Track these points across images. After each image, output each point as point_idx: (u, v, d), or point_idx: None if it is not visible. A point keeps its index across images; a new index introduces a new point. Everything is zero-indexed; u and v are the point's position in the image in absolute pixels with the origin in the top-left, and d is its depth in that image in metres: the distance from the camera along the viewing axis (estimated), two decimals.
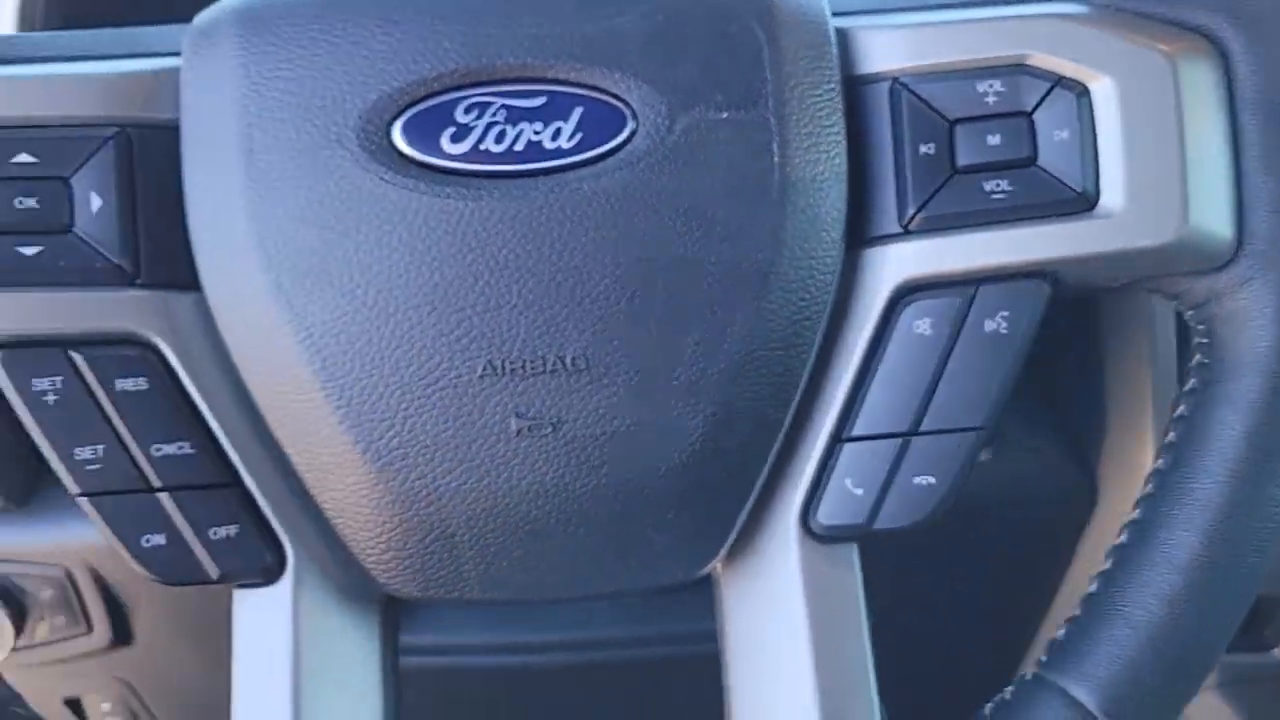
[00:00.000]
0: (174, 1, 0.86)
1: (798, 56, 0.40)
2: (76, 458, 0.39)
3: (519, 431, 0.39)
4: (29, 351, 0.39)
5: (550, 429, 0.39)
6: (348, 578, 0.42)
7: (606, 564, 0.42)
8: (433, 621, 0.63)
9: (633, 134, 0.39)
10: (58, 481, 0.74)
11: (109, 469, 0.40)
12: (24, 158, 0.39)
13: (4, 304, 0.39)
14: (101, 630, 0.76)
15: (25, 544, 0.71)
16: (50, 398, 0.39)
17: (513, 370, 0.39)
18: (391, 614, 0.44)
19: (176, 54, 0.42)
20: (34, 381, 0.39)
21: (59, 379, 0.39)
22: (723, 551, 0.42)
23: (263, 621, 0.41)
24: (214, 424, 0.40)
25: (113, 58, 0.42)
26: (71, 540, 0.72)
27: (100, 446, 0.40)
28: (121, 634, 0.77)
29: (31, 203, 0.39)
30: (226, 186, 0.39)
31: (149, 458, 0.40)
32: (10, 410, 0.70)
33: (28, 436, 0.72)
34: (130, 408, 0.40)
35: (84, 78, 0.41)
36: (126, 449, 0.40)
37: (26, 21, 0.69)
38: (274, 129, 0.39)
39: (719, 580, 0.44)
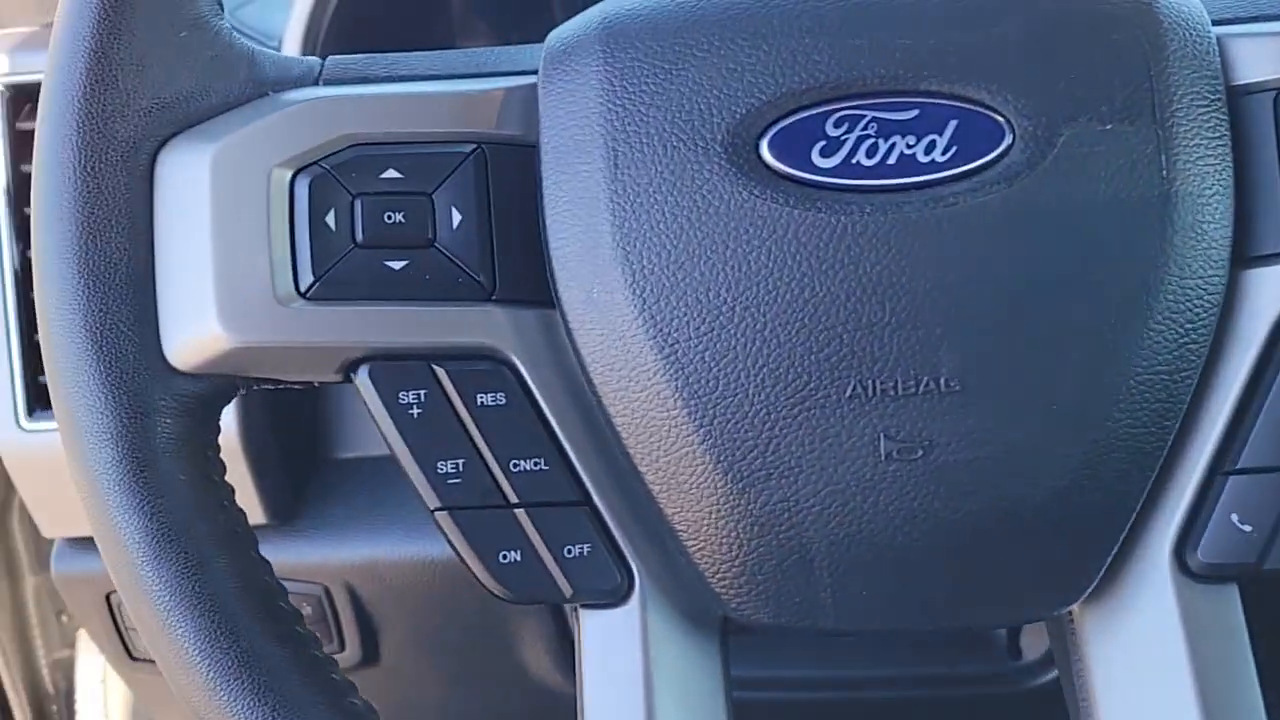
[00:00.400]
0: (446, 12, 0.88)
1: (1183, 66, 0.38)
2: (439, 471, 0.39)
3: (887, 455, 0.38)
4: (396, 365, 0.40)
5: (920, 453, 0.38)
6: (690, 601, 0.41)
7: (969, 596, 0.40)
8: (744, 653, 0.62)
9: (1009, 147, 0.38)
10: (319, 501, 0.76)
11: (469, 484, 0.40)
12: (391, 173, 0.40)
13: (374, 317, 0.39)
14: (353, 648, 0.77)
15: (288, 561, 0.72)
16: (415, 411, 0.39)
17: (883, 391, 0.38)
18: (727, 640, 0.43)
19: (527, 72, 0.42)
20: (400, 395, 0.39)
21: (423, 392, 0.39)
22: (1090, 587, 0.40)
23: (614, 643, 0.40)
24: (565, 441, 0.40)
25: (467, 76, 0.43)
26: (332, 559, 0.73)
27: (460, 461, 0.40)
28: (370, 653, 0.78)
29: (399, 217, 0.40)
30: (590, 202, 0.39)
31: (507, 473, 0.40)
32: (277, 428, 0.72)
33: (291, 454, 0.74)
34: (490, 423, 0.40)
35: (446, 96, 0.41)
36: (486, 464, 0.40)
37: (311, 34, 0.71)
38: (639, 144, 0.39)
39: (1076, 617, 0.41)
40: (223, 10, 0.42)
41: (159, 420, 0.39)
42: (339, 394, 0.76)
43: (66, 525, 0.73)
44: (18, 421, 0.68)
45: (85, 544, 0.74)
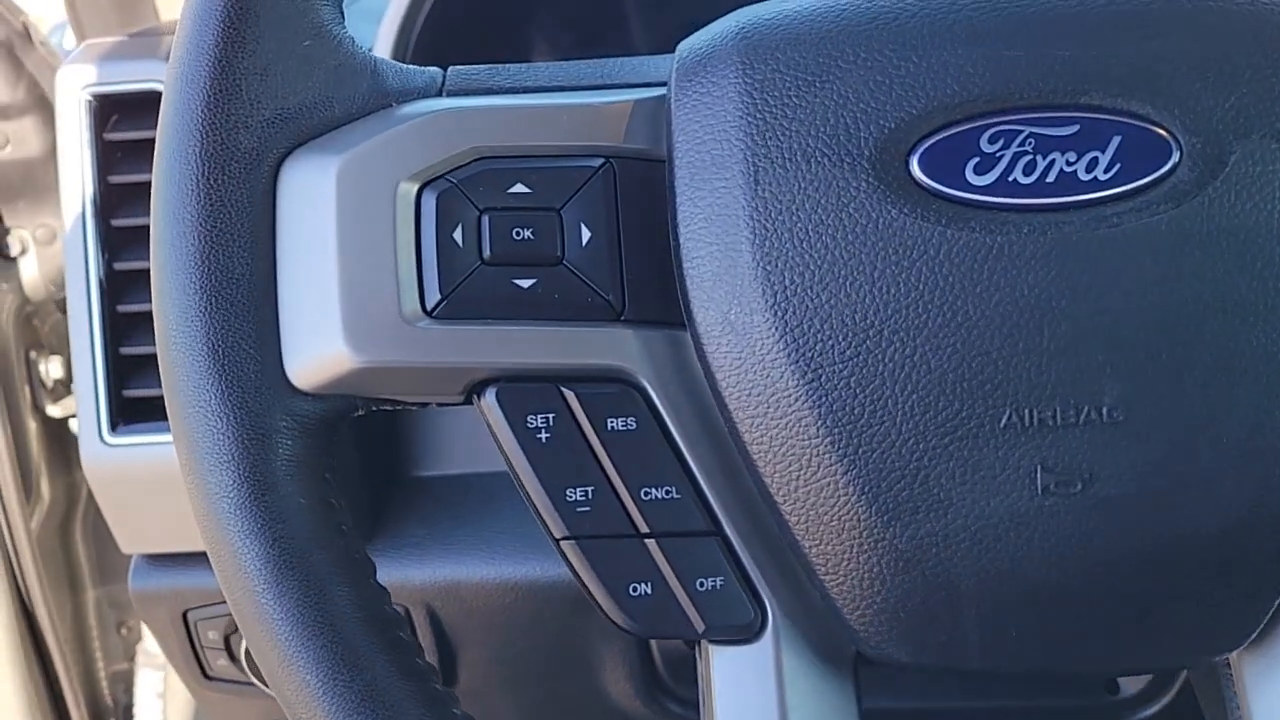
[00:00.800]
0: (532, 23, 0.87)
1: None
2: (568, 499, 0.38)
3: (1044, 488, 0.36)
4: (524, 387, 0.38)
5: (1079, 486, 0.36)
6: (824, 637, 0.39)
7: (1125, 639, 0.38)
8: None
9: (1176, 165, 0.36)
10: (398, 520, 0.74)
11: (598, 513, 0.38)
12: (519, 188, 0.38)
13: (501, 337, 0.38)
14: None
15: None
16: (543, 435, 0.38)
17: (1041, 421, 0.36)
18: (859, 677, 0.41)
19: (654, 84, 0.41)
20: (529, 418, 0.38)
21: (552, 415, 0.38)
22: (1255, 632, 0.38)
23: (747, 682, 0.38)
24: (695, 468, 0.38)
25: (593, 89, 0.41)
26: (412, 580, 0.72)
27: (590, 488, 0.38)
28: (448, 676, 0.76)
29: (528, 234, 0.38)
30: (728, 220, 0.37)
31: (638, 502, 0.38)
32: (358, 444, 0.71)
33: (370, 472, 0.72)
34: (620, 449, 0.38)
35: (574, 108, 0.40)
36: (616, 492, 0.38)
37: (401, 45, 0.70)
38: (781, 160, 0.37)
39: (1234, 664, 0.39)
40: (343, 19, 0.41)
41: (279, 442, 0.37)
42: (417, 410, 0.75)
43: (146, 542, 0.72)
44: (101, 436, 0.67)
45: (163, 561, 0.73)
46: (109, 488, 0.69)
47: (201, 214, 0.37)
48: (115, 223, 0.68)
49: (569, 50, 0.89)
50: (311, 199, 0.38)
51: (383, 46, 0.70)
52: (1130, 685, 0.73)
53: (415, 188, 0.38)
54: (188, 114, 0.37)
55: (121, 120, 0.69)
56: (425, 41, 0.72)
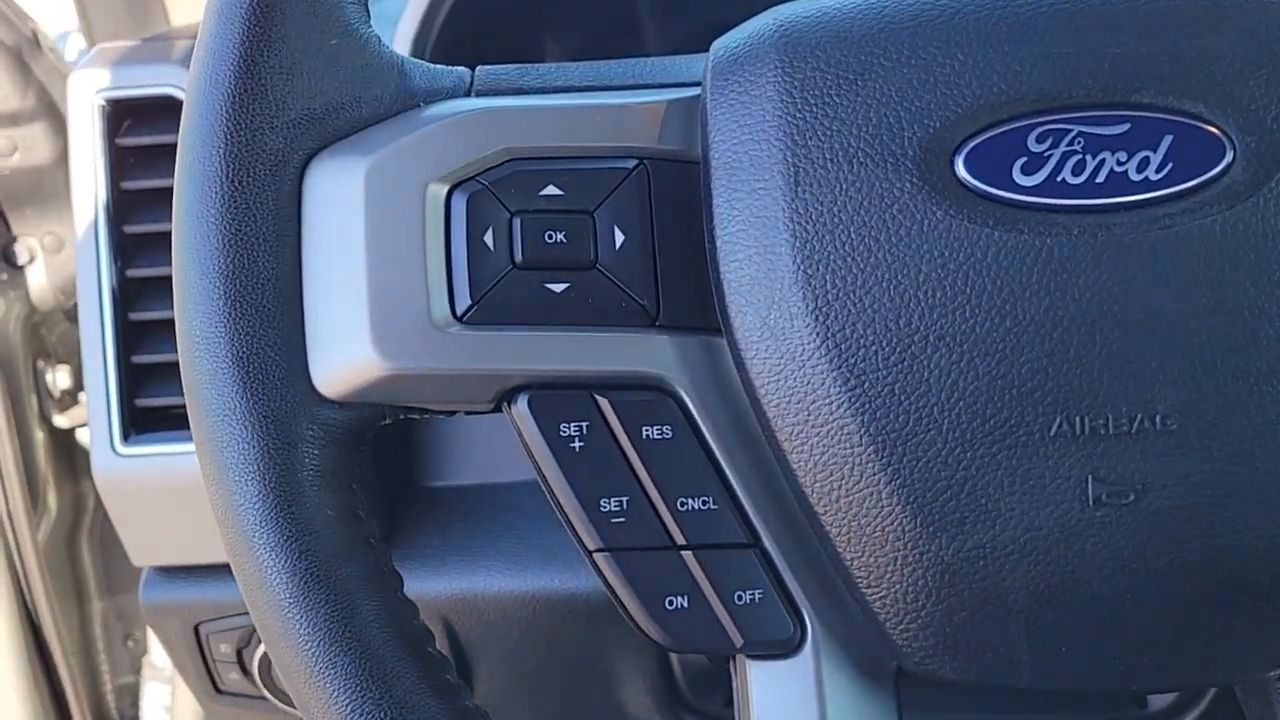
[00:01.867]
0: (555, 23, 0.86)
1: None
2: (601, 510, 0.37)
3: (1096, 499, 0.35)
4: (557, 394, 0.37)
5: (1132, 497, 0.35)
6: (865, 651, 0.38)
7: (1178, 654, 0.36)
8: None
9: (1230, 164, 0.35)
10: (412, 531, 0.73)
11: (633, 524, 0.37)
12: (551, 190, 0.37)
13: (533, 343, 0.37)
14: None
15: None
16: (576, 444, 0.37)
17: (1093, 429, 0.35)
18: (900, 693, 0.40)
19: (687, 84, 0.40)
20: (561, 426, 0.37)
21: (585, 424, 0.37)
22: None
23: (787, 698, 0.37)
24: (733, 478, 0.37)
25: (624, 89, 0.40)
26: (429, 593, 0.71)
27: (624, 499, 0.37)
28: None
29: (560, 237, 0.37)
30: (767, 223, 0.36)
31: (674, 512, 0.37)
32: (376, 459, 0.70)
33: (384, 482, 0.71)
34: (655, 458, 0.37)
35: (606, 108, 0.39)
36: (651, 503, 0.37)
37: (420, 41, 0.70)
38: (822, 161, 0.36)
39: None
40: (369, 18, 0.40)
41: (306, 451, 0.36)
42: (432, 418, 0.73)
43: (157, 554, 0.70)
44: (113, 446, 0.66)
45: (174, 573, 0.72)
46: (120, 499, 0.67)
47: (225, 216, 0.36)
48: (128, 229, 0.67)
49: (580, 55, 0.89)
50: (339, 201, 0.37)
51: (399, 50, 0.69)
52: (1158, 699, 0.72)
53: (445, 189, 0.37)
54: (211, 114, 0.36)
55: (134, 125, 0.68)
56: (439, 48, 0.71)
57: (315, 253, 0.37)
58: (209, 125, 0.36)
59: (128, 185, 0.67)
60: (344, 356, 0.36)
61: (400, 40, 0.70)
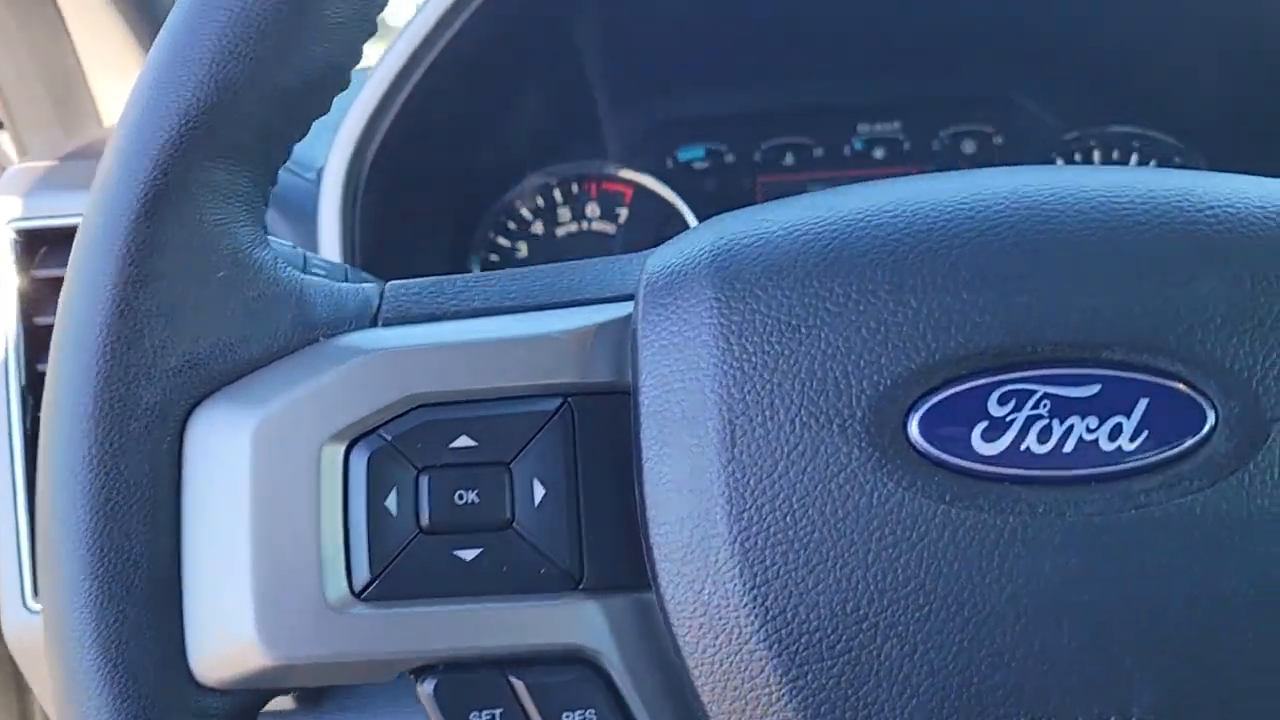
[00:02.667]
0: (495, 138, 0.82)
1: None
2: None
3: None
4: (466, 678, 0.33)
5: None
6: None
7: None
8: None
9: (1212, 431, 0.31)
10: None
11: None
12: (464, 441, 0.34)
13: (440, 619, 0.33)
14: None
15: None
16: None
17: None
18: None
19: (620, 299, 0.36)
20: (472, 715, 0.33)
21: (499, 711, 0.33)
22: None
23: None
24: None
25: (549, 307, 0.36)
26: None
27: None
28: None
29: (472, 496, 0.33)
30: (700, 487, 0.32)
31: None
32: None
33: None
34: None
35: (526, 341, 0.35)
36: None
37: (351, 181, 0.66)
38: (761, 419, 0.32)
39: None
40: (266, 234, 0.36)
41: None
42: None
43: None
44: (24, 601, 0.62)
45: None
46: (37, 660, 0.63)
47: (94, 487, 0.32)
48: (42, 367, 0.63)
49: (536, 147, 0.85)
50: (223, 462, 0.33)
51: (339, 158, 0.65)
52: None
53: (343, 447, 0.33)
54: (78, 367, 0.33)
55: (50, 255, 0.64)
56: (383, 154, 0.67)
57: (196, 521, 0.33)
58: (76, 383, 0.32)
59: (41, 320, 0.63)
60: (225, 645, 0.33)
61: (340, 148, 0.66)
